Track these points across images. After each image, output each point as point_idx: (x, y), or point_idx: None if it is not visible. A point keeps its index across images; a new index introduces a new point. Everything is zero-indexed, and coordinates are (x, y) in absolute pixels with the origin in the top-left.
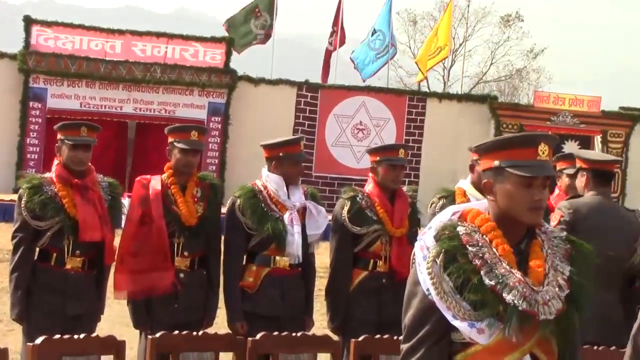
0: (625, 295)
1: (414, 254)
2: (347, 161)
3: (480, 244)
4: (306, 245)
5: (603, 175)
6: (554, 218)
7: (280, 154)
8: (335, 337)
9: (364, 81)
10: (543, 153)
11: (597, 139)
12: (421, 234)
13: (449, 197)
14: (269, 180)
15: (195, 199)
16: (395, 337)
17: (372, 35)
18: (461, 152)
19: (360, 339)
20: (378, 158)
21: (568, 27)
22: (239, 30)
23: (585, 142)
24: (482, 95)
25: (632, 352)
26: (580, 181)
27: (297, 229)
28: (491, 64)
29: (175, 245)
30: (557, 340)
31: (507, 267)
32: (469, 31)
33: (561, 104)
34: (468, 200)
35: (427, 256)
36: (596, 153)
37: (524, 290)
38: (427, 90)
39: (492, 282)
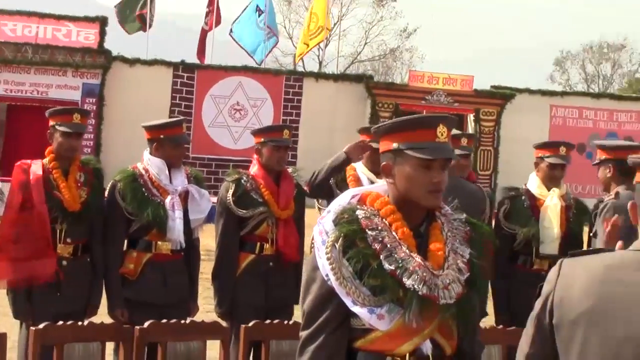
0: (508, 272)
1: (312, 239)
2: (225, 142)
3: (379, 227)
4: (189, 229)
5: None
6: None
7: (162, 136)
8: (224, 323)
9: (258, 64)
10: (442, 135)
11: (470, 118)
12: (320, 218)
13: (340, 175)
14: (151, 164)
15: (79, 184)
16: (285, 322)
17: (259, 15)
18: (338, 132)
19: (250, 324)
20: (262, 139)
21: (440, 7)
22: (128, 14)
23: (459, 121)
24: (358, 74)
25: (535, 331)
26: None
27: (178, 213)
28: (365, 43)
29: (58, 231)
30: (457, 324)
31: (407, 251)
32: (343, 11)
33: (435, 83)
34: (357, 177)
35: (326, 241)
36: None
37: (424, 274)
38: (304, 70)
39: (392, 267)
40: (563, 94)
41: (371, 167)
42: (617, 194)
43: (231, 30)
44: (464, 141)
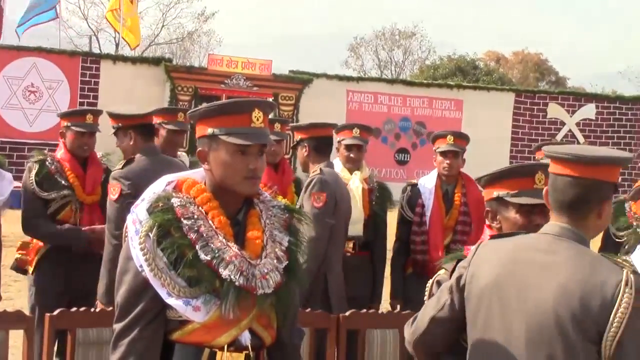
0: None
1: (126, 228)
2: (19, 124)
3: (195, 216)
4: None
5: (146, 130)
6: (114, 192)
7: None
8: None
9: (18, 37)
10: (257, 120)
11: None
12: (133, 207)
13: None
14: None
15: None
16: (92, 310)
17: None
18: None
19: (56, 313)
20: (66, 123)
21: None
22: None
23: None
24: (156, 57)
25: (447, 299)
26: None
27: None
28: (162, 26)
29: None
30: (276, 313)
31: (224, 240)
32: None
33: (234, 67)
34: None
35: (139, 230)
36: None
37: (241, 264)
38: (100, 52)
39: (208, 257)
40: (359, 79)
41: (167, 149)
42: (321, 170)
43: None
44: (277, 126)
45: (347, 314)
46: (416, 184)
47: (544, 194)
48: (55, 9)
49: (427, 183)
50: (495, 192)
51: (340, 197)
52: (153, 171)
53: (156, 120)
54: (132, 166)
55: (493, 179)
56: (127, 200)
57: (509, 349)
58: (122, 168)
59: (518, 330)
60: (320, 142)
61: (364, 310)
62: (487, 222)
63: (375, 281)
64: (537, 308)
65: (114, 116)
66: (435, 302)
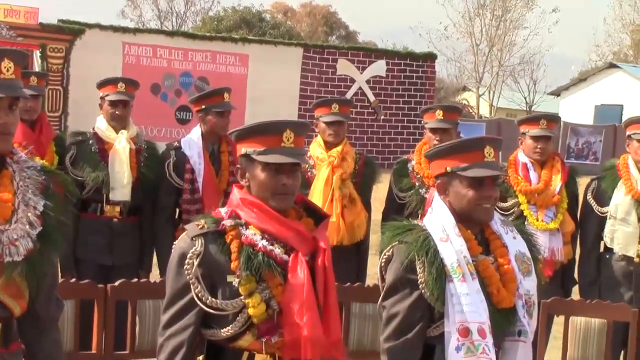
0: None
1: None
2: None
3: None
4: None
5: None
6: None
7: None
8: None
9: None
10: (8, 71)
11: (37, 54)
12: None
13: None
14: None
15: None
16: None
17: None
18: None
19: None
20: None
21: None
22: None
23: (26, 56)
24: None
25: None
26: None
27: None
28: None
29: None
30: (28, 283)
31: None
32: None
33: None
34: None
35: None
36: None
37: None
38: None
39: None
40: (136, 30)
41: None
42: None
43: None
44: (33, 80)
45: (116, 284)
46: (180, 147)
47: None
48: None
49: (192, 145)
50: (244, 149)
51: None
52: None
53: None
54: None
55: (242, 135)
56: None
57: None
58: None
59: None
60: None
61: (135, 280)
62: (238, 180)
63: (145, 248)
64: None
65: None
66: None
